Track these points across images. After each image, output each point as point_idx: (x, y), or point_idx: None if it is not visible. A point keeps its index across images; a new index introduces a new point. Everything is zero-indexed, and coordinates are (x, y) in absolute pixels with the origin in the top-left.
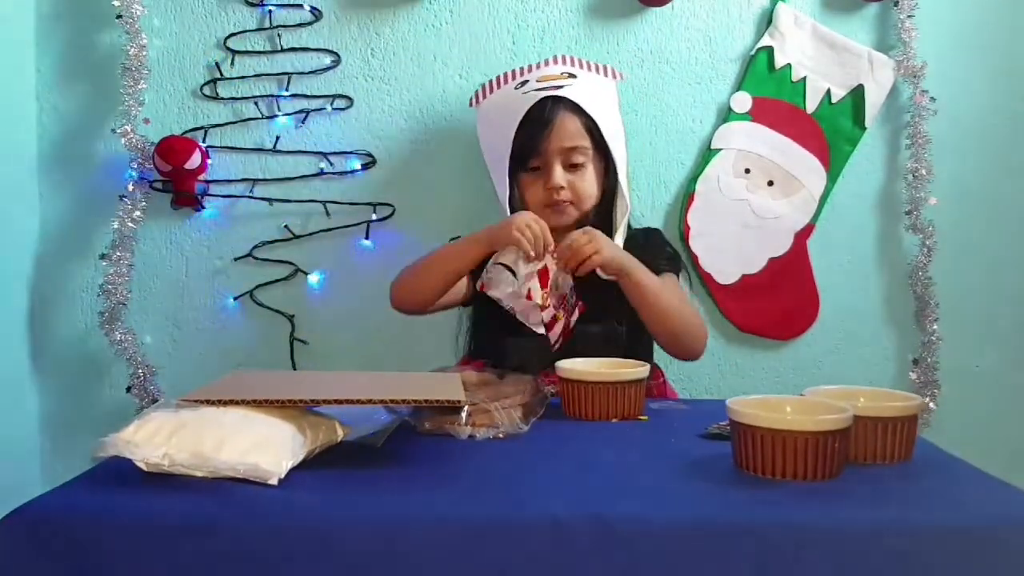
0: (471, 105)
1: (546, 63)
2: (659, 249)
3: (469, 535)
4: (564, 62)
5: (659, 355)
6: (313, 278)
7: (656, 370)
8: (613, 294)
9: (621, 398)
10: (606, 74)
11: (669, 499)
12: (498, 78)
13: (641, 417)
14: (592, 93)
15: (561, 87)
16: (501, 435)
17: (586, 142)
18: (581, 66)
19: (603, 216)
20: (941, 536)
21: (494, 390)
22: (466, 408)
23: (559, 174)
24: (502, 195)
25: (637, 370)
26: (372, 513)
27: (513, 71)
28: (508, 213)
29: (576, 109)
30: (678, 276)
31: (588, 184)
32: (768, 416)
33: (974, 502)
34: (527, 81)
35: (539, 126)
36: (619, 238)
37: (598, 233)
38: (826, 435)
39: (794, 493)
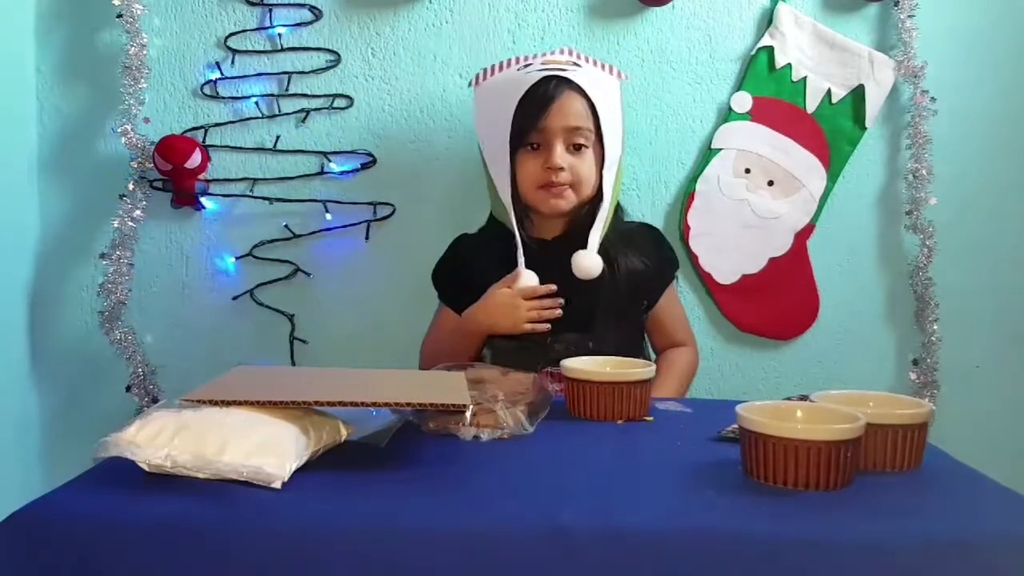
0: (470, 86)
1: (551, 52)
2: (663, 256)
3: (474, 542)
4: (571, 54)
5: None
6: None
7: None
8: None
9: (627, 399)
10: (610, 72)
11: (678, 508)
12: (501, 63)
13: (647, 418)
14: (596, 82)
15: (566, 71)
16: (506, 436)
17: (589, 124)
18: (587, 61)
19: (590, 211)
20: (953, 550)
21: (498, 388)
22: (471, 408)
23: (560, 153)
24: (498, 174)
25: (643, 370)
26: (375, 518)
27: (517, 57)
28: (508, 194)
29: (580, 92)
30: (677, 281)
31: (589, 168)
32: (778, 424)
33: (985, 514)
34: (531, 64)
35: (542, 102)
36: (596, 236)
37: None
38: (839, 444)
39: (805, 503)
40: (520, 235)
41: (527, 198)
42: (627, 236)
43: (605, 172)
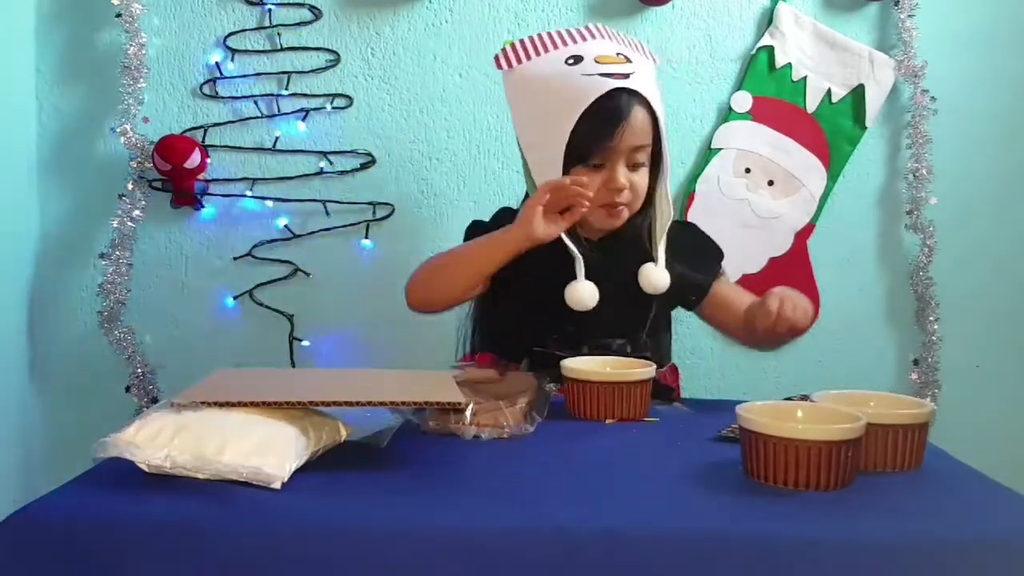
0: (499, 67)
1: (591, 34)
2: (705, 252)
3: (475, 542)
4: (607, 36)
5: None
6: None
7: (674, 371)
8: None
9: (627, 399)
10: (647, 56)
11: (679, 509)
12: (533, 41)
13: (649, 419)
14: (653, 85)
15: (627, 75)
16: (506, 435)
17: (650, 139)
18: (627, 44)
19: (639, 218)
20: (953, 550)
21: (496, 388)
22: (471, 407)
23: (624, 174)
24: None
25: (643, 370)
26: (375, 518)
27: (551, 36)
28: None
29: (645, 103)
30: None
31: (644, 184)
32: (779, 424)
33: (985, 514)
34: (581, 58)
35: (611, 121)
36: (662, 249)
37: (793, 295)
38: (839, 444)
39: (806, 504)
40: (572, 242)
41: (586, 214)
42: (668, 239)
43: (660, 183)
